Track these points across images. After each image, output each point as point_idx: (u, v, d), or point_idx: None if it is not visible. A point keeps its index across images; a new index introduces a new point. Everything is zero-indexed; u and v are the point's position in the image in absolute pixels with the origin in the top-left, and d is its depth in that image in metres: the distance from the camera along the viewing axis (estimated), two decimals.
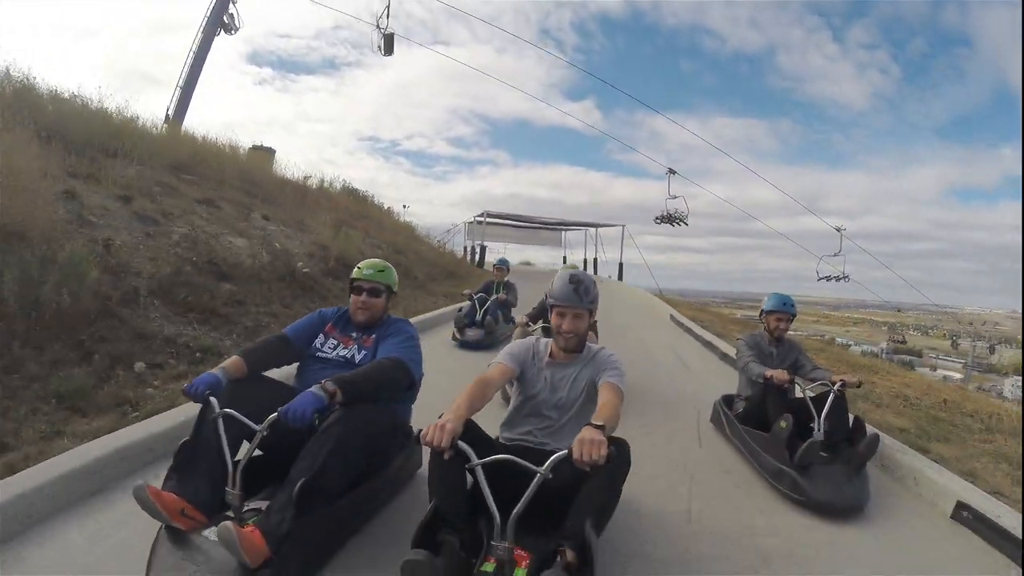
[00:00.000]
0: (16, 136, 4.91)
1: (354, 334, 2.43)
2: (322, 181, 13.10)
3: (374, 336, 2.41)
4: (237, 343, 4.35)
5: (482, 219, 17.99)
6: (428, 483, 1.87)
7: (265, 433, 1.90)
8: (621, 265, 17.98)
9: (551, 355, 2.26)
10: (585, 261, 19.65)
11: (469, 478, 1.76)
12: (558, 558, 1.68)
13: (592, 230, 19.60)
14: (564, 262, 19.16)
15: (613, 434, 1.77)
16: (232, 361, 2.16)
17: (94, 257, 4.19)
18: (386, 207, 15.57)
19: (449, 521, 1.80)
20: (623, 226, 18.51)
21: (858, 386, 3.31)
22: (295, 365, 2.46)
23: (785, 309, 3.56)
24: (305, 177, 12.43)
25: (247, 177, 9.30)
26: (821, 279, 20.02)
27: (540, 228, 20.49)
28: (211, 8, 13.71)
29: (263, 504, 1.90)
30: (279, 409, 1.87)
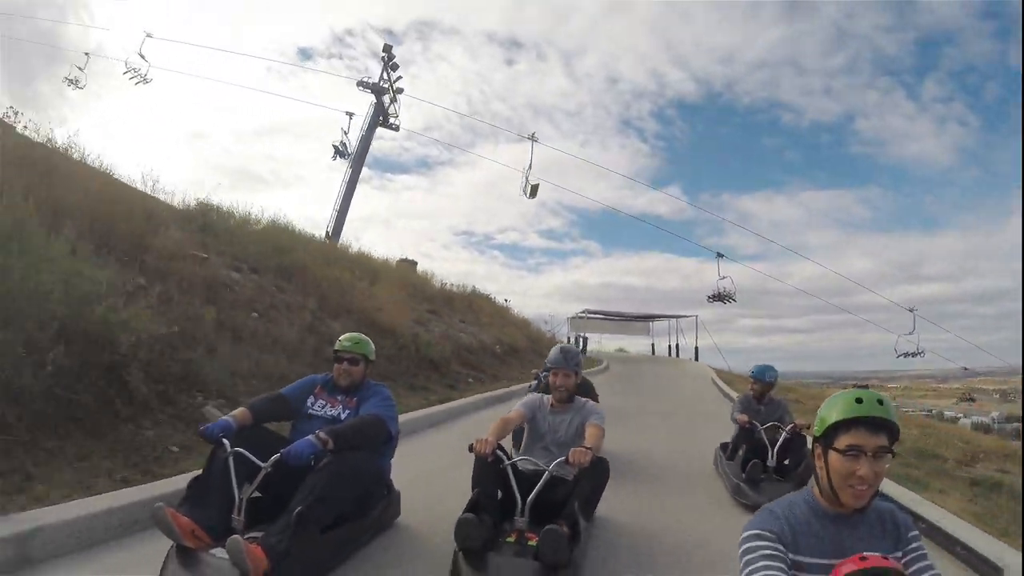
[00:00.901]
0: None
1: (339, 396, 2.88)
2: (471, 289, 17.48)
3: (356, 398, 2.86)
4: (483, 382, 8.57)
5: (583, 315, 22.32)
6: (472, 480, 2.63)
7: (269, 470, 2.32)
8: (696, 348, 21.29)
9: (551, 405, 3.14)
10: (669, 347, 23.06)
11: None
12: (557, 526, 2.39)
13: (674, 321, 23.18)
14: (652, 350, 22.75)
15: (598, 454, 2.58)
16: (241, 412, 2.60)
17: (429, 341, 8.77)
18: (508, 305, 19.82)
19: (484, 507, 2.51)
20: (696, 316, 22.07)
21: (808, 427, 3.72)
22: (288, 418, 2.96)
23: (758, 377, 4.61)
24: (455, 285, 16.81)
25: (422, 290, 13.50)
26: (900, 355, 21.99)
27: (631, 320, 24.42)
28: (359, 143, 18.04)
29: (259, 534, 2.21)
30: (281, 451, 2.33)
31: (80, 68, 17.73)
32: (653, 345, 23.63)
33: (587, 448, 2.61)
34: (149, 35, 17.07)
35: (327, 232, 16.86)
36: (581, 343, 21.40)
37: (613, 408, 9.06)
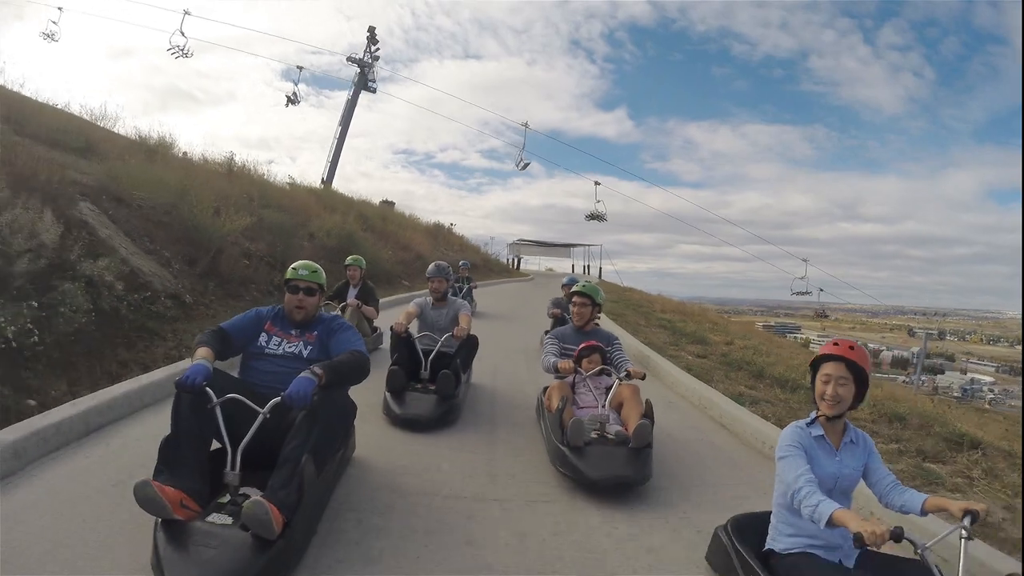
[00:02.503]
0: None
1: (294, 331, 2.68)
2: (439, 224, 23.67)
3: (316, 332, 2.69)
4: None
5: (519, 242, 29.10)
6: (390, 349, 4.01)
7: (268, 416, 2.19)
8: (600, 269, 28.40)
9: (432, 304, 4.50)
10: (585, 267, 29.83)
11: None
12: (448, 372, 3.70)
13: (591, 246, 30.08)
14: (572, 270, 29.36)
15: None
16: (207, 352, 2.35)
17: (391, 259, 14.92)
18: (457, 231, 25.90)
19: (400, 364, 3.92)
20: (600, 245, 29.22)
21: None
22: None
23: (568, 284, 6.06)
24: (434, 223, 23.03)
25: (400, 223, 19.74)
26: (794, 293, 29.65)
27: (556, 246, 31.24)
28: (353, 86, 23.96)
29: (250, 489, 2.09)
30: (282, 394, 2.18)
31: (55, 22, 20.82)
32: (573, 266, 30.31)
33: (463, 328, 4.11)
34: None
35: (322, 179, 23.03)
36: (517, 262, 28.01)
37: (518, 295, 14.90)
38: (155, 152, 9.52)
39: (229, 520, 2.00)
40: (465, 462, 3.22)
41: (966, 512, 1.82)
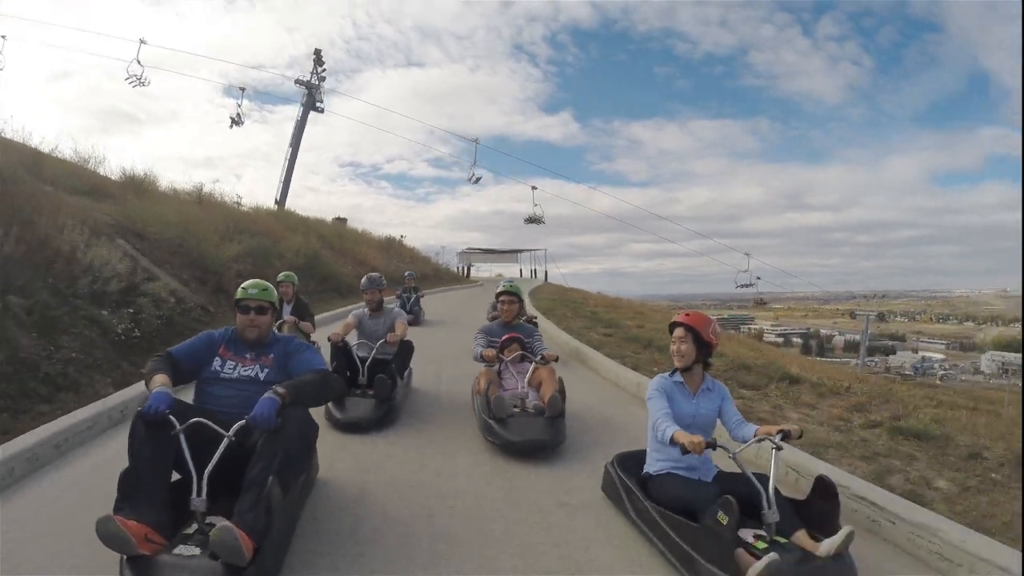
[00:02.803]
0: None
1: (248, 354, 2.64)
2: (391, 238, 25.22)
3: (271, 355, 2.66)
4: None
5: (468, 251, 31.00)
6: (330, 357, 4.14)
7: (233, 439, 2.18)
8: (547, 273, 30.58)
9: (369, 313, 4.85)
10: (532, 271, 32.00)
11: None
12: (385, 376, 4.03)
13: (537, 251, 32.25)
14: (520, 274, 31.44)
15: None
16: (165, 379, 2.33)
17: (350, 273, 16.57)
18: (408, 242, 27.42)
19: (339, 372, 4.07)
20: (544, 250, 31.74)
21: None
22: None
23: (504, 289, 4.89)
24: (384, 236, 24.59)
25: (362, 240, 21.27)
26: (739, 287, 32.34)
27: (503, 252, 33.32)
28: (302, 108, 25.38)
29: (215, 517, 2.04)
30: (248, 416, 2.19)
31: None
32: (521, 270, 32.45)
33: (396, 334, 4.58)
34: None
35: (275, 200, 24.69)
36: (465, 270, 29.85)
37: (466, 301, 16.34)
38: (143, 188, 10.91)
39: (197, 551, 1.97)
40: (410, 456, 3.50)
41: (780, 431, 2.40)
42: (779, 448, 2.37)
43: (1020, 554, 2.01)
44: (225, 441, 2.18)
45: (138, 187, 10.92)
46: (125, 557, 1.91)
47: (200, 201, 13.58)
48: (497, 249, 33.33)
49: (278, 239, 14.05)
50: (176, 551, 1.96)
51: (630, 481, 2.69)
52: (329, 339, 4.43)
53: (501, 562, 2.37)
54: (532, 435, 3.46)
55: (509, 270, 32.82)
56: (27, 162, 8.46)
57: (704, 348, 2.61)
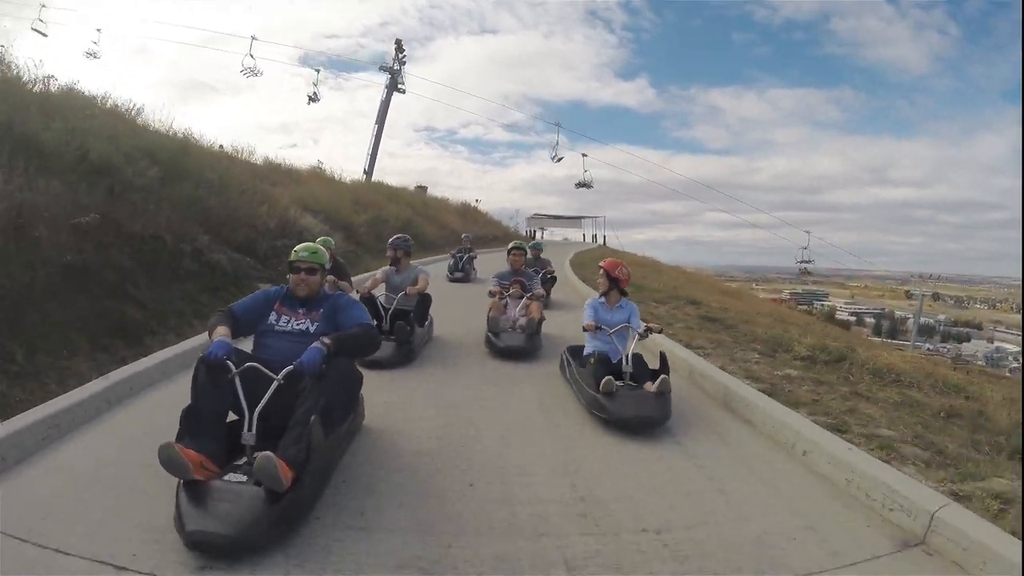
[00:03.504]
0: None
1: (300, 309, 2.99)
2: (466, 203, 29.50)
3: (321, 310, 3.00)
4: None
5: (537, 216, 35.00)
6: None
7: (282, 382, 2.51)
8: (605, 237, 33.84)
9: (396, 270, 5.54)
10: (594, 236, 35.43)
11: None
12: (404, 322, 4.90)
13: (599, 217, 35.55)
14: (583, 239, 34.92)
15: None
16: (225, 330, 2.71)
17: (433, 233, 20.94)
18: (483, 207, 31.52)
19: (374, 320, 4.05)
20: (603, 217, 34.95)
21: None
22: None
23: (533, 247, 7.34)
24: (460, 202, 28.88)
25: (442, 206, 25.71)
26: (799, 263, 33.82)
27: (568, 218, 36.97)
28: (385, 90, 30.05)
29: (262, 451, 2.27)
30: (295, 362, 2.52)
31: (41, 20, 25.01)
32: (584, 235, 36.02)
33: (416, 288, 5.37)
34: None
35: (364, 170, 29.30)
36: (534, 234, 33.89)
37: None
38: (280, 170, 15.69)
39: (244, 478, 2.25)
40: (420, 383, 4.36)
41: (647, 328, 4.07)
42: (643, 336, 4.08)
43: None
44: (275, 384, 2.50)
45: (298, 176, 15.74)
46: (182, 481, 2.21)
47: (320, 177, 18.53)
48: (563, 215, 37.03)
49: (381, 208, 18.59)
50: (226, 477, 2.27)
51: (569, 356, 4.45)
52: (357, 292, 5.24)
53: (497, 416, 3.72)
54: (515, 344, 5.28)
55: (574, 234, 36.50)
56: (248, 168, 13.21)
57: (614, 282, 4.30)
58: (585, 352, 4.18)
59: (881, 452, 3.07)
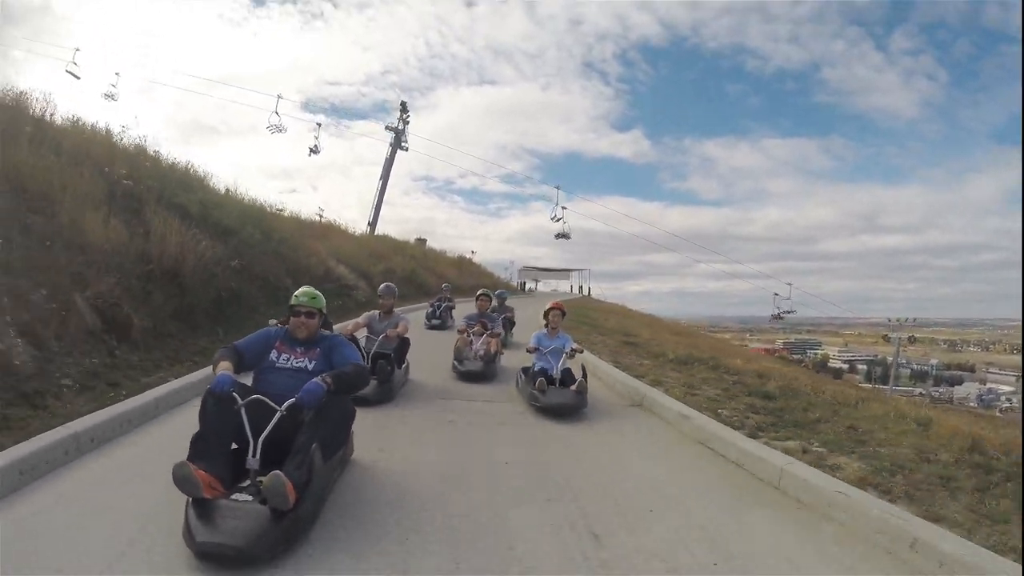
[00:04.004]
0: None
1: (299, 348, 3.32)
2: (462, 256, 33.10)
3: (318, 349, 3.34)
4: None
5: (527, 268, 38.84)
6: None
7: (285, 413, 2.76)
8: (589, 289, 37.55)
9: (380, 316, 6.29)
10: (580, 287, 39.00)
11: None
12: (386, 361, 5.37)
13: (584, 270, 39.22)
14: (571, 290, 38.41)
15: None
16: (229, 364, 2.98)
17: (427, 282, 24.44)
18: (477, 258, 34.98)
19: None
20: (587, 269, 39.03)
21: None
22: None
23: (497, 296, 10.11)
24: (457, 255, 32.43)
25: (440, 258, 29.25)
26: (775, 316, 37.36)
27: (556, 271, 40.81)
28: (390, 148, 33.84)
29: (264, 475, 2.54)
30: (297, 396, 2.80)
31: (75, 63, 27.08)
32: (571, 286, 39.66)
33: (398, 332, 6.04)
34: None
35: (368, 223, 32.91)
36: (524, 285, 37.50)
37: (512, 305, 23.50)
38: (333, 229, 19.26)
39: (249, 498, 2.50)
40: (400, 419, 4.88)
41: (573, 349, 5.82)
42: (570, 356, 5.74)
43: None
44: (278, 415, 2.75)
45: (332, 229, 19.38)
46: (191, 499, 2.43)
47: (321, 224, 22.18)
48: (552, 268, 40.91)
49: (389, 259, 22.07)
50: (233, 497, 2.52)
51: (521, 372, 6.10)
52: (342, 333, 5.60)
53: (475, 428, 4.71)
54: (474, 368, 6.56)
55: (563, 285, 40.12)
56: (293, 225, 16.73)
57: (560, 317, 6.03)
58: (535, 368, 5.74)
59: (733, 420, 4.76)
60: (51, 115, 9.17)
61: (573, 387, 5.31)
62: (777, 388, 6.12)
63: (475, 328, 7.42)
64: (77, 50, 28.77)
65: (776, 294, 38.79)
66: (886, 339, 58.57)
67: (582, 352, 6.08)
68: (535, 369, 5.66)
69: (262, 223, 11.52)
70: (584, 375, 5.59)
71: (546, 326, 6.02)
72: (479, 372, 6.51)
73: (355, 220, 31.78)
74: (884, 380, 56.88)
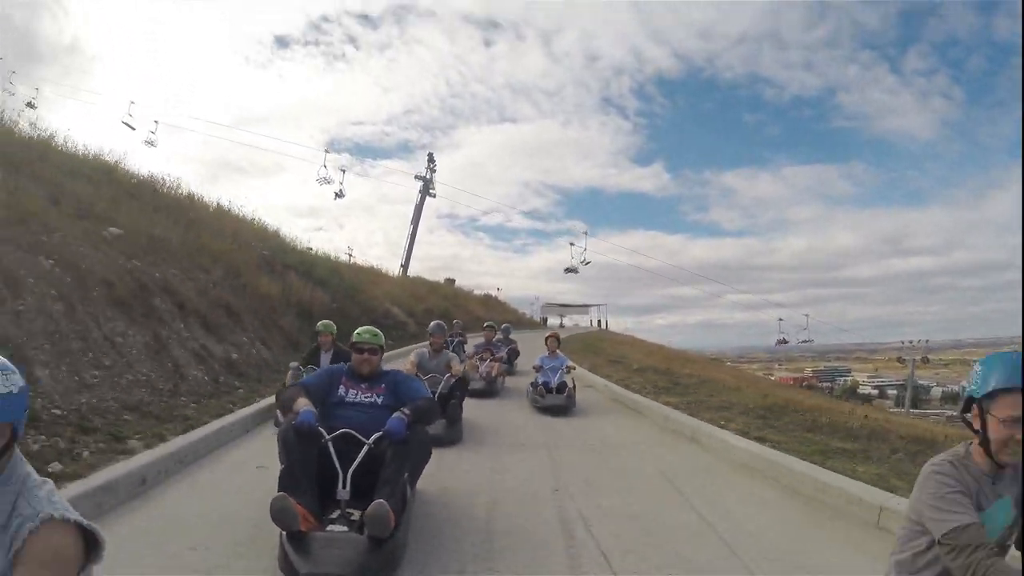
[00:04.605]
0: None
1: (363, 384, 3.53)
2: (488, 294, 36.82)
3: (383, 384, 3.55)
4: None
5: (549, 304, 42.41)
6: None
7: (372, 446, 2.98)
8: (607, 322, 40.65)
9: (430, 353, 6.70)
10: (598, 322, 42.15)
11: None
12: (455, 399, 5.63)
13: (603, 306, 42.42)
14: (590, 324, 41.60)
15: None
16: (306, 402, 3.16)
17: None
18: (503, 296, 38.61)
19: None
20: (604, 305, 42.11)
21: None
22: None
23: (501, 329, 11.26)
24: (483, 293, 36.18)
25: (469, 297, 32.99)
26: (778, 342, 40.49)
27: (576, 307, 44.12)
28: (414, 211, 38.20)
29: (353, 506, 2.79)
30: (383, 429, 3.05)
31: (130, 115, 30.55)
32: (591, 320, 42.91)
33: (458, 368, 6.38)
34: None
35: (400, 266, 36.54)
36: (546, 320, 40.93)
37: (525, 339, 26.12)
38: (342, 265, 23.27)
39: (345, 528, 2.64)
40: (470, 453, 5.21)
41: (569, 368, 7.94)
42: (566, 372, 7.67)
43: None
44: (365, 447, 2.96)
45: (380, 274, 23.44)
46: (285, 534, 2.50)
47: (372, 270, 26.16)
48: (572, 304, 44.36)
49: (426, 300, 25.84)
50: (330, 528, 2.64)
51: (530, 386, 7.68)
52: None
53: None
54: (479, 387, 7.88)
55: (583, 320, 43.52)
56: (355, 272, 20.64)
57: (556, 343, 8.31)
58: (536, 381, 7.58)
59: (687, 408, 6.77)
60: (174, 189, 13.09)
61: (563, 394, 7.24)
62: (690, 375, 9.69)
63: (482, 354, 9.27)
64: (132, 103, 32.20)
65: (780, 319, 41.70)
66: (900, 361, 59.54)
67: (575, 369, 8.30)
68: (539, 382, 7.52)
69: (341, 274, 15.37)
70: (573, 386, 7.62)
71: (550, 350, 8.15)
72: (483, 390, 7.99)
73: (381, 257, 34.95)
74: (915, 404, 57.86)
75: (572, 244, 37.44)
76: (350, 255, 25.66)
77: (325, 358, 6.25)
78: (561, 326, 40.13)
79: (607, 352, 16.55)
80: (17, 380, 1.33)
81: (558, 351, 8.11)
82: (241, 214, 14.45)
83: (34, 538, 1.23)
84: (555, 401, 7.11)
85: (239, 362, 7.58)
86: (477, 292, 36.33)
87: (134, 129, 31.38)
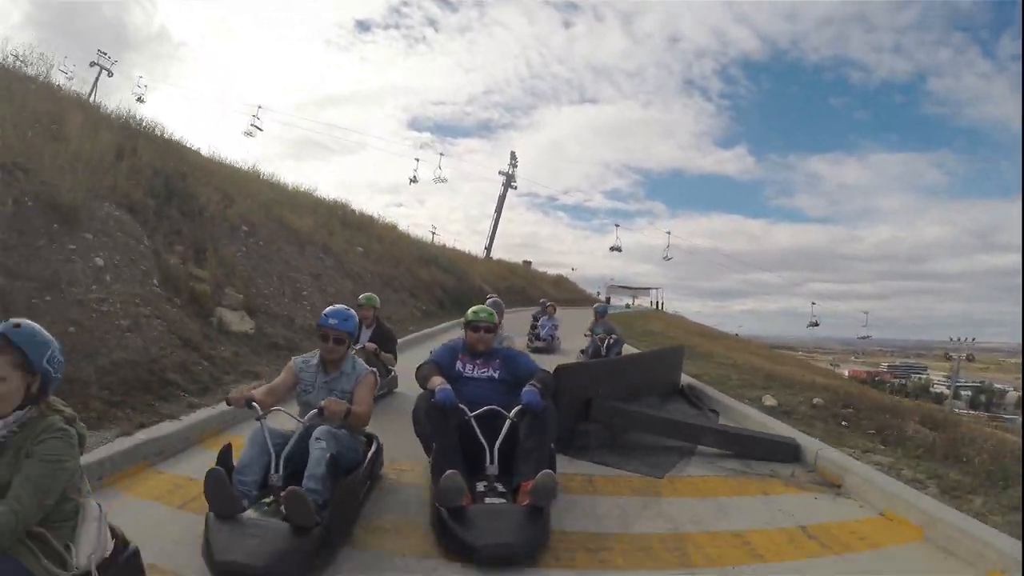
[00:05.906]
0: None
1: (478, 360, 3.72)
2: (559, 275, 43.12)
3: (497, 360, 3.73)
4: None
5: (614, 285, 48.05)
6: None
7: (514, 420, 3.20)
8: (662, 303, 45.79)
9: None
10: (656, 303, 47.36)
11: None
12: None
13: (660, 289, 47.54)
14: (649, 303, 46.90)
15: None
16: (442, 380, 3.37)
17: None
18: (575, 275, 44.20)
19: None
20: (662, 288, 46.51)
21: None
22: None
23: (599, 311, 11.49)
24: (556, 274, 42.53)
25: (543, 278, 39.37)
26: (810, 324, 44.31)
27: (639, 288, 49.50)
28: (502, 191, 44.85)
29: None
30: (523, 402, 3.20)
31: (256, 116, 34.74)
32: (651, 302, 48.13)
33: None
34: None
35: (484, 248, 42.34)
36: (609, 300, 46.61)
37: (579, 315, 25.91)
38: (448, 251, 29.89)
39: (500, 501, 2.82)
40: None
41: (616, 337, 10.57)
42: (612, 341, 10.30)
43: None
44: (508, 422, 3.12)
45: (474, 259, 30.34)
46: (446, 510, 2.63)
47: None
48: (634, 287, 49.79)
49: (508, 279, 32.33)
50: (487, 501, 2.79)
51: (581, 352, 10.57)
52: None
53: None
54: (539, 346, 10.81)
55: (644, 301, 48.82)
56: (460, 257, 27.43)
57: (603, 314, 11.31)
58: (589, 346, 10.18)
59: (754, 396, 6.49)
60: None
61: (546, 342, 10.76)
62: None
63: (542, 320, 11.97)
64: (259, 107, 36.29)
65: (813, 302, 45.18)
66: (947, 357, 58.73)
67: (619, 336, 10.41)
68: (590, 347, 10.04)
69: (452, 261, 22.32)
70: (619, 351, 9.82)
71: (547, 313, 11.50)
72: (542, 347, 10.60)
73: (460, 234, 41.50)
74: (988, 407, 57.06)
75: (617, 226, 42.06)
76: (433, 233, 29.92)
77: (365, 334, 6.15)
78: (627, 307, 45.67)
79: (644, 328, 18.94)
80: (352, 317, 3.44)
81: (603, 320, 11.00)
82: (403, 230, 22.15)
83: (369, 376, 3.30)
84: (538, 344, 10.81)
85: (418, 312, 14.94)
86: (550, 272, 42.31)
87: (261, 130, 36.01)
